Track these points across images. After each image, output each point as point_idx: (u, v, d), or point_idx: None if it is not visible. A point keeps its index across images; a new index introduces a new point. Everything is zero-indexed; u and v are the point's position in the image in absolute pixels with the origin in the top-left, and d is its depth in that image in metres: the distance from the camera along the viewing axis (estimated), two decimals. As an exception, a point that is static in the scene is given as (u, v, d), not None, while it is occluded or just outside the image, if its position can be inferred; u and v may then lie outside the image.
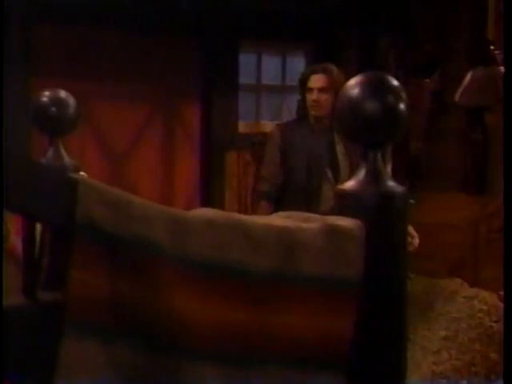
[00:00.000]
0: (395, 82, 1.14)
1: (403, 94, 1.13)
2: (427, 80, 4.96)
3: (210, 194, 5.90)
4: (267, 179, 3.54)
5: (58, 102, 1.90)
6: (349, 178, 1.12)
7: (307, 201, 3.31)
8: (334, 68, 3.45)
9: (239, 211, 5.72)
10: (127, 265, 0.94)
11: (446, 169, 4.81)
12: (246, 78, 6.12)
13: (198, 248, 1.00)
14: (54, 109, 1.90)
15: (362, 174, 1.15)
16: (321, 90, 3.37)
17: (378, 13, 5.41)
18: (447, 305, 2.84)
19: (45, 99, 1.91)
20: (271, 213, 3.44)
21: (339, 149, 3.38)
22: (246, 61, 6.10)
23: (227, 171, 5.94)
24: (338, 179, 3.30)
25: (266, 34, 5.88)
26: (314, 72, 3.46)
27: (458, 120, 4.78)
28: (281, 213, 1.15)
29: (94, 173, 4.17)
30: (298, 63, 6.38)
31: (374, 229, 1.11)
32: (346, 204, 1.15)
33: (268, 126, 6.22)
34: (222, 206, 5.75)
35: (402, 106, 1.12)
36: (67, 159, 1.94)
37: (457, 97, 4.41)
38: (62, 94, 1.94)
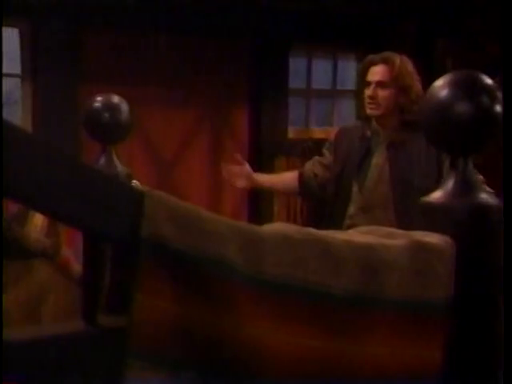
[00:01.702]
0: (489, 81, 1.03)
1: (499, 94, 1.02)
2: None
3: (258, 201, 5.81)
4: (310, 166, 3.03)
5: (111, 108, 1.83)
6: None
7: (332, 215, 2.95)
8: (397, 57, 2.83)
9: (288, 219, 5.61)
10: (198, 287, 0.84)
11: None
12: (296, 82, 6.02)
13: (274, 267, 0.90)
14: (106, 115, 1.83)
15: (450, 183, 1.04)
16: (379, 84, 2.81)
17: (436, 12, 5.24)
18: None
19: (97, 105, 1.84)
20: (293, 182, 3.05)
21: (376, 159, 2.87)
22: (296, 65, 6.00)
23: (276, 178, 5.84)
24: (363, 195, 2.84)
25: (316, 37, 5.77)
26: (373, 63, 2.86)
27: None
28: (361, 228, 1.04)
29: (142, 180, 4.12)
30: (349, 67, 6.26)
31: (466, 246, 1.00)
32: (433, 218, 1.03)
33: (318, 131, 6.12)
34: (270, 214, 5.66)
35: (497, 107, 1.01)
36: (120, 167, 1.87)
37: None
38: (115, 99, 1.87)
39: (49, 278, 1.72)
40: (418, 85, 2.81)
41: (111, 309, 0.87)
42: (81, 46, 5.03)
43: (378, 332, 0.95)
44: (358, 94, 2.97)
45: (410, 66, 2.85)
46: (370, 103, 2.82)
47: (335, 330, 0.92)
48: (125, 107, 1.87)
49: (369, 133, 2.88)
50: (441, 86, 1.03)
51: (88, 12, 4.83)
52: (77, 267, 1.68)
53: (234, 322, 0.86)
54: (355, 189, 2.86)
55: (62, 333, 0.84)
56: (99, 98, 1.86)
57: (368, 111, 2.85)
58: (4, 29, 4.26)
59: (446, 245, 0.99)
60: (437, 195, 1.04)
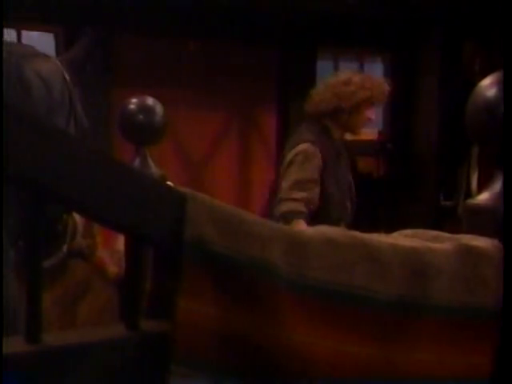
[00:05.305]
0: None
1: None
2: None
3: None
4: (305, 202, 2.76)
5: (145, 110, 1.83)
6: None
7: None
8: None
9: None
10: (241, 291, 0.82)
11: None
12: (323, 85, 5.98)
13: (318, 272, 0.87)
14: (141, 116, 1.83)
15: (498, 185, 1.00)
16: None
17: (464, 14, 5.16)
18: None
19: (132, 106, 1.84)
20: None
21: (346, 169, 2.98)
22: (323, 68, 5.96)
23: (303, 179, 5.80)
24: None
25: (343, 40, 5.74)
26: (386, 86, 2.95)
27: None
28: (405, 231, 1.02)
29: (171, 181, 4.11)
30: (375, 70, 6.19)
31: (514, 249, 0.97)
32: (479, 220, 1.00)
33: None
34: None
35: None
36: (154, 169, 1.86)
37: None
38: (150, 101, 1.87)
39: (85, 278, 1.72)
40: None
41: (153, 313, 0.86)
42: (113, 50, 5.06)
43: (425, 338, 0.92)
44: (355, 108, 2.85)
45: None
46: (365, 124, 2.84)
47: (381, 336, 0.90)
48: (159, 109, 1.87)
49: (342, 149, 2.90)
50: (488, 85, 1.00)
51: (121, 17, 4.87)
52: (112, 268, 1.68)
53: (277, 327, 0.84)
54: (348, 206, 2.88)
55: (103, 338, 0.82)
56: (134, 100, 1.86)
57: (360, 131, 2.87)
58: (40, 34, 4.32)
59: (494, 248, 0.96)
60: (483, 197, 1.01)
